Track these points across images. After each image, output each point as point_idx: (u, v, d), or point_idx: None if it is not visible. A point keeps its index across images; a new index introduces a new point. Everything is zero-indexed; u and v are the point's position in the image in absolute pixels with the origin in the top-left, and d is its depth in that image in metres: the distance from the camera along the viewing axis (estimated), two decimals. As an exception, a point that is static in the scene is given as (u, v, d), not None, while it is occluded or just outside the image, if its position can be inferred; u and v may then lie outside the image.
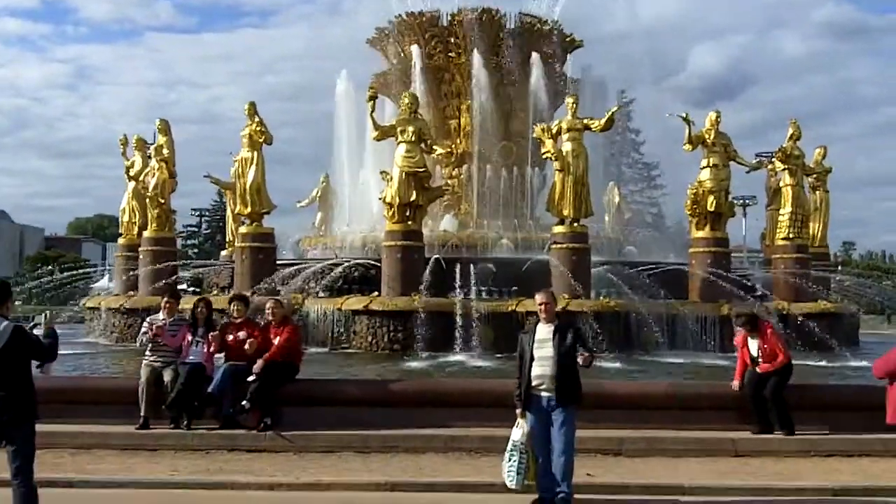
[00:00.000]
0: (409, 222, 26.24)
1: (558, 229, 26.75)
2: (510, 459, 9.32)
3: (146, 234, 30.28)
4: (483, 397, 11.81)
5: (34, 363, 8.06)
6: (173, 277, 29.57)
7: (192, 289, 30.83)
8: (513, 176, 34.17)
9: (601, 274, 27.15)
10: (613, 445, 11.37)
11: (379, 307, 25.15)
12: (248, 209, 27.77)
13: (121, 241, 33.22)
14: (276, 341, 12.83)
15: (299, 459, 11.30)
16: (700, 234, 28.05)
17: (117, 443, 11.76)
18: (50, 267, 57.96)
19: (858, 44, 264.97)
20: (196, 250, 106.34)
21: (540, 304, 9.64)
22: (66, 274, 37.29)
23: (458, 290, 24.87)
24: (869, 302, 56.17)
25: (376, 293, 25.91)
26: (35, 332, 8.27)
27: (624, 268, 27.69)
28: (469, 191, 34.71)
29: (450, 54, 35.22)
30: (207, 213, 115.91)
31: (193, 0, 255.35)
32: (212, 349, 12.99)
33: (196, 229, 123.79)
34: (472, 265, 26.20)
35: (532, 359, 9.45)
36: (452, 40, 35.08)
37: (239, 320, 13.43)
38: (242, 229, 28.36)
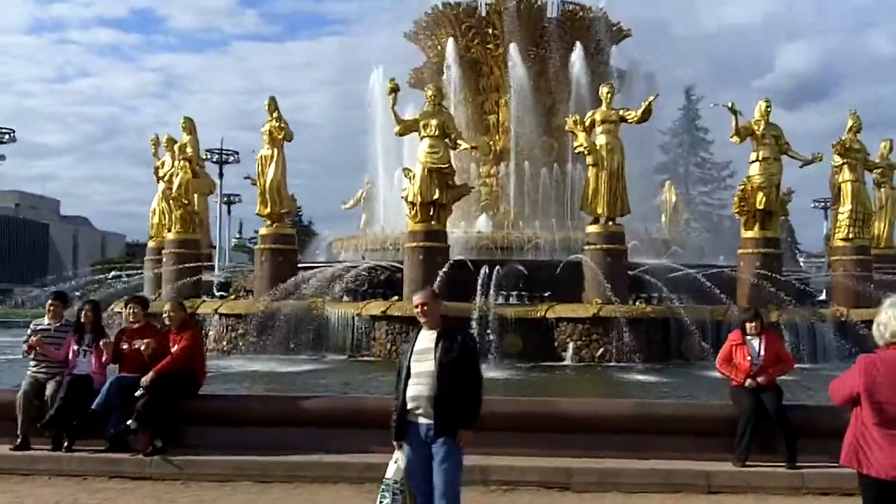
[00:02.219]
0: (433, 222, 24.79)
1: (591, 229, 25.04)
2: (381, 502, 7.50)
3: (169, 236, 29.35)
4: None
5: None
6: (195, 279, 28.57)
7: (219, 293, 29.73)
8: (553, 173, 32.44)
9: (642, 277, 25.35)
10: (560, 478, 9.39)
11: (398, 312, 23.71)
12: (268, 209, 26.54)
13: (150, 243, 32.42)
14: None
15: (184, 489, 9.78)
16: (749, 233, 25.98)
17: (-12, 465, 10.29)
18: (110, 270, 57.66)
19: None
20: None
21: (416, 306, 7.79)
22: (103, 276, 36.54)
23: (479, 294, 23.24)
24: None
25: (396, 297, 24.49)
26: None
27: (668, 270, 25.79)
28: (507, 190, 33.05)
29: (488, 46, 33.55)
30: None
31: (278, 8, 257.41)
32: (104, 359, 11.56)
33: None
34: (499, 267, 24.62)
35: (409, 375, 7.57)
36: (490, 31, 33.40)
37: (136, 326, 11.88)
38: (262, 230, 27.18)
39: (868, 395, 5.68)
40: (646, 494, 9.18)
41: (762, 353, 10.85)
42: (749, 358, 10.84)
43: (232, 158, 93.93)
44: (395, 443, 7.63)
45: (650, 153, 46.73)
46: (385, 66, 33.90)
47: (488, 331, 22.34)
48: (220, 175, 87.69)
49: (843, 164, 27.76)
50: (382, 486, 7.56)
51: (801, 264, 63.32)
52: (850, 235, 27.69)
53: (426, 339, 7.64)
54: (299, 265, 27.09)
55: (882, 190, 30.89)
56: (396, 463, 7.55)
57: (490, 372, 20.72)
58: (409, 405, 7.52)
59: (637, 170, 37.32)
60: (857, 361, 5.90)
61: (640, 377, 20.24)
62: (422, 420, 7.46)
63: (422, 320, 7.74)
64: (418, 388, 7.48)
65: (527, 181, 32.36)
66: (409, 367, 7.59)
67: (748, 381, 10.64)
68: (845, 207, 27.77)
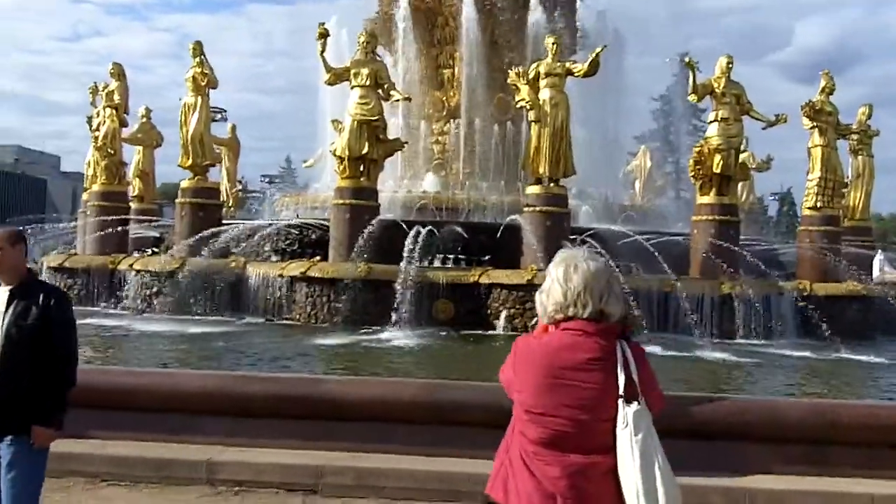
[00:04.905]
0: (362, 178, 23.08)
1: (532, 190, 23.27)
2: None
3: (94, 187, 27.65)
4: (146, 396, 7.72)
5: None
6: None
7: (149, 249, 28.06)
8: (506, 132, 30.50)
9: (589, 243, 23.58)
10: (308, 478, 7.35)
11: (318, 273, 22.06)
12: (190, 161, 24.80)
13: (84, 196, 30.70)
14: None
15: None
16: (704, 199, 24.11)
17: None
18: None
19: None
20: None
21: None
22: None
23: (406, 257, 21.57)
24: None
25: (318, 258, 22.84)
26: None
27: (618, 237, 24.01)
28: (459, 148, 31.13)
29: (443, -5, 31.57)
30: (278, 179, 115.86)
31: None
32: None
33: (262, 195, 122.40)
34: (435, 229, 22.99)
35: None
36: (446, -21, 31.42)
37: None
38: (183, 183, 25.41)
39: (519, 399, 3.83)
40: (410, 502, 7.17)
41: None
42: None
43: (219, 116, 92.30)
44: None
45: (634, 118, 45.02)
46: (348, 18, 31.95)
47: (409, 295, 20.70)
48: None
49: (813, 127, 25.82)
50: None
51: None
52: (819, 204, 25.81)
53: None
54: (224, 222, 25.36)
55: (858, 158, 28.88)
56: None
57: (398, 339, 19.17)
58: None
59: (614, 135, 35.67)
60: (514, 345, 3.99)
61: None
62: None
63: None
64: None
65: (477, 140, 30.46)
66: None
67: None
68: (814, 174, 25.83)
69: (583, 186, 29.63)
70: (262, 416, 7.41)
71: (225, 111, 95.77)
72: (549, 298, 3.85)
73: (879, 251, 67.26)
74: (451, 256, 23.53)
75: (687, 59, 23.67)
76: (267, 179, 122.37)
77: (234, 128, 37.03)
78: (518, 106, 23.80)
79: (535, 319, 16.51)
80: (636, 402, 3.63)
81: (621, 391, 3.63)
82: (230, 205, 34.14)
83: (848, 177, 28.57)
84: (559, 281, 3.81)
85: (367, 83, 22.88)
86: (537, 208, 22.74)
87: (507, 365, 3.92)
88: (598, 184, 31.57)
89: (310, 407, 7.50)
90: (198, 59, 24.45)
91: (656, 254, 22.37)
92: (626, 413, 3.60)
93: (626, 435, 3.58)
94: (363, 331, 20.40)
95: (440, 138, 31.26)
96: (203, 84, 24.45)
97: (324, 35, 23.34)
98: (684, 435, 7.59)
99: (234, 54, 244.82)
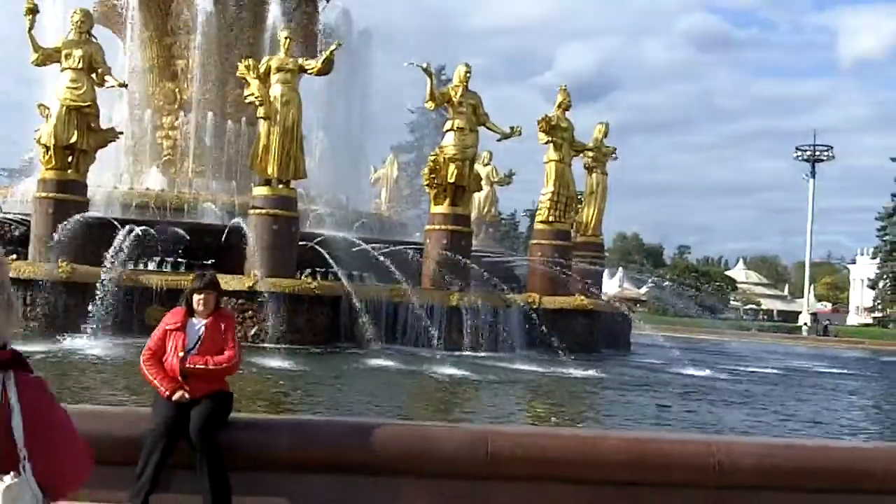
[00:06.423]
0: (69, 170, 21.09)
1: (259, 191, 22.03)
2: None
3: None
4: None
5: None
6: None
7: None
8: (241, 130, 28.98)
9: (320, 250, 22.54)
10: None
11: (13, 273, 19.77)
12: None
13: None
14: None
15: None
16: (438, 209, 23.69)
17: None
18: None
19: (720, 55, 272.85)
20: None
21: None
22: None
23: (111, 257, 19.74)
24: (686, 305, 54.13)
25: (15, 256, 20.63)
26: None
27: (349, 244, 23.08)
28: (189, 144, 29.32)
29: (178, -19, 29.70)
30: (18, 173, 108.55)
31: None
32: None
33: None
34: (150, 229, 21.30)
35: None
36: (181, -36, 29.57)
37: None
38: None
39: None
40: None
41: (200, 344, 6.97)
42: (182, 353, 6.90)
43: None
44: None
45: (393, 129, 44.48)
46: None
47: (117, 300, 18.95)
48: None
49: (549, 142, 25.95)
50: None
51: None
52: (551, 219, 26.08)
53: None
54: None
55: (593, 175, 29.28)
56: None
57: (93, 348, 17.38)
58: None
59: (360, 141, 34.86)
60: None
61: (276, 363, 17.17)
62: None
63: None
64: None
65: (209, 136, 28.72)
66: None
67: (177, 394, 6.77)
68: (547, 189, 26.08)
69: (322, 191, 28.68)
70: None
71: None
72: None
73: (620, 268, 69.95)
74: (171, 259, 21.99)
75: (424, 66, 23.15)
76: (6, 174, 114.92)
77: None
78: (247, 101, 22.46)
79: (255, 328, 14.66)
80: (12, 474, 2.38)
81: None
82: (-63, 199, 30.79)
83: (582, 193, 29.05)
84: None
85: (80, 66, 21.02)
86: (264, 211, 21.57)
87: None
88: (340, 190, 30.69)
89: None
90: None
91: (388, 264, 21.66)
92: None
93: None
94: (60, 337, 18.41)
95: (171, 132, 29.27)
96: None
97: (32, 11, 21.24)
98: (311, 468, 6.61)
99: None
